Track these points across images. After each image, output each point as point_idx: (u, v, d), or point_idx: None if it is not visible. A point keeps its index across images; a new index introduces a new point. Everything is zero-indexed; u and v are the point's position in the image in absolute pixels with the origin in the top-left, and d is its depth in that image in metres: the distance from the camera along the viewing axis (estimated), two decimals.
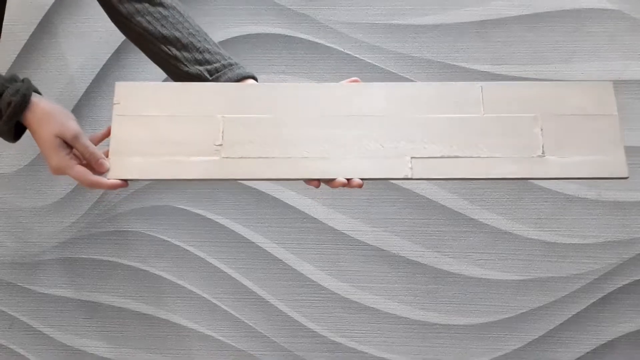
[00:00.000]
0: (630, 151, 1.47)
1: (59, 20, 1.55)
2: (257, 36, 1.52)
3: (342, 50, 1.51)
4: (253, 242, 1.55)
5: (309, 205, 1.53)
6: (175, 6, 1.13)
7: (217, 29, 1.51)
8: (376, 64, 1.50)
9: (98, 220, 1.57)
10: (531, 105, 0.97)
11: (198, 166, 1.00)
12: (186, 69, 1.10)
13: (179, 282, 1.57)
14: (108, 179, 1.02)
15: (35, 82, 1.58)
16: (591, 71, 1.47)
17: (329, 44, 1.51)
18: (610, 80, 0.99)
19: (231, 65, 1.11)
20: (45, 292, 1.59)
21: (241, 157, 0.99)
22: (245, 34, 1.52)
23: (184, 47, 1.10)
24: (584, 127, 0.97)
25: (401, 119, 0.97)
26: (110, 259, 1.58)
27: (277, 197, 1.53)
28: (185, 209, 1.56)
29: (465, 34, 1.49)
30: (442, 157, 0.96)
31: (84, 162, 1.03)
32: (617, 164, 0.98)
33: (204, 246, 1.56)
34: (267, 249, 1.55)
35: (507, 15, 1.48)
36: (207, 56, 1.10)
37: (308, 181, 1.01)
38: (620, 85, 1.47)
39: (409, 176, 0.96)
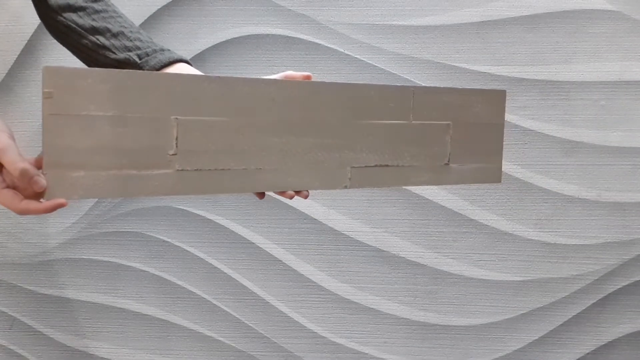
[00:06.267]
0: (630, 152, 1.48)
1: None
2: (258, 37, 1.52)
3: (343, 50, 1.51)
4: (253, 243, 1.55)
5: (309, 205, 1.53)
6: (111, 5, 1.08)
7: (217, 30, 1.51)
8: (376, 65, 1.50)
9: (98, 221, 1.57)
10: (448, 113, 1.02)
11: (151, 181, 0.85)
12: (114, 56, 1.02)
13: (179, 282, 1.57)
14: (45, 200, 0.81)
15: (34, 83, 1.59)
16: (591, 72, 1.47)
17: (329, 45, 1.51)
18: (504, 90, 1.05)
19: (162, 50, 1.04)
20: (46, 292, 1.59)
21: (197, 170, 0.87)
22: (245, 34, 1.52)
23: (113, 36, 1.04)
24: (480, 135, 1.04)
25: (347, 124, 0.98)
26: (111, 259, 1.58)
27: (277, 197, 1.53)
28: (186, 210, 1.56)
29: (465, 35, 1.49)
30: (376, 165, 0.99)
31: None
32: (495, 171, 1.05)
33: (204, 247, 1.56)
34: (267, 249, 1.55)
35: (507, 16, 1.48)
36: (138, 43, 1.04)
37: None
38: (620, 86, 1.47)
39: (348, 186, 0.98)
